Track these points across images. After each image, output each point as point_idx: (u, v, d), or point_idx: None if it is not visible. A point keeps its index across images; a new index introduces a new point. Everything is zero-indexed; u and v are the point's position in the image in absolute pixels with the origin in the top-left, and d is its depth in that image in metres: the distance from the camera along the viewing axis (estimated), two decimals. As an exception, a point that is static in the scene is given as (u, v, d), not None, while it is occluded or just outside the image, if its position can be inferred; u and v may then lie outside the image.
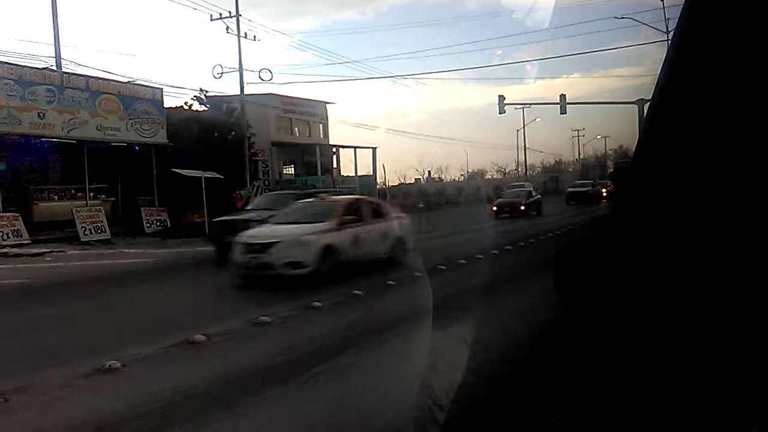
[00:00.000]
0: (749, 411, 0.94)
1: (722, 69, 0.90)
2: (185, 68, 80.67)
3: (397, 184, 61.89)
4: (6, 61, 20.16)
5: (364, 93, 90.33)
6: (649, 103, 0.98)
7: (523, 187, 31.84)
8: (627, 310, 0.95)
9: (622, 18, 32.70)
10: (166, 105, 27.76)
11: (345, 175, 40.36)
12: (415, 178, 68.03)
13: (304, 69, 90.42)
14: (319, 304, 8.65)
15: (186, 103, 31.93)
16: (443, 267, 11.44)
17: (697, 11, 0.93)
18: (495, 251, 13.87)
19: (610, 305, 0.96)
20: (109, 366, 5.89)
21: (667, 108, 0.95)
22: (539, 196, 29.23)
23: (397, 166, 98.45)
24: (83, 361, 6.01)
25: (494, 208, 27.27)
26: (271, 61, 59.26)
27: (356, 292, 9.53)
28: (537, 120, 56.79)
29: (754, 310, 0.90)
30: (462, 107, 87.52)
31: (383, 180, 42.56)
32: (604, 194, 36.39)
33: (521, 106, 50.73)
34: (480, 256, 12.85)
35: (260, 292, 10.21)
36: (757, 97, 0.87)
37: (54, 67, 21.96)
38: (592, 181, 39.36)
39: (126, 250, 19.66)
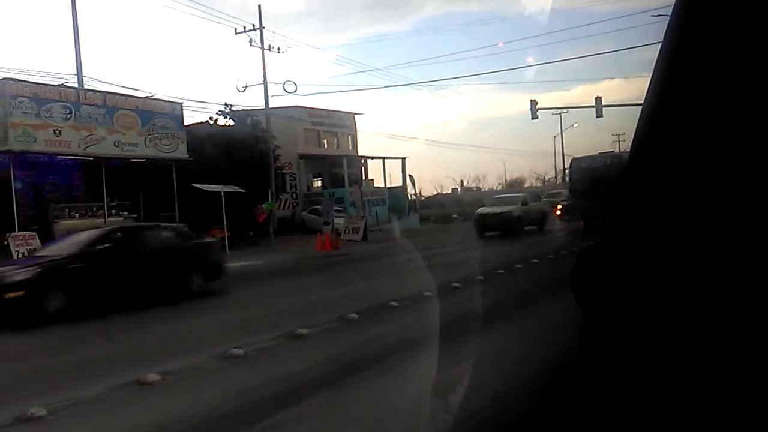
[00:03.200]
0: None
1: (716, 71, 0.89)
2: (213, 84, 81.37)
3: (434, 194, 60.97)
4: (21, 78, 20.07)
5: (403, 104, 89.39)
6: (642, 107, 0.96)
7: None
8: (645, 315, 0.94)
9: (658, 16, 30.77)
10: (192, 120, 27.52)
11: (377, 186, 39.47)
12: (452, 188, 66.95)
13: (343, 81, 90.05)
14: (306, 331, 7.65)
15: (211, 118, 31.73)
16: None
17: (688, 15, 0.92)
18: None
19: (628, 310, 0.95)
20: (32, 414, 5.03)
21: (664, 110, 0.95)
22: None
23: (434, 177, 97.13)
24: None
25: None
26: (310, 75, 59.11)
27: (351, 315, 8.52)
28: (575, 125, 54.82)
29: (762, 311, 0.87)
30: (500, 115, 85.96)
31: (415, 191, 41.42)
32: (557, 212, 25.93)
33: (558, 111, 49.02)
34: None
35: (248, 317, 9.30)
36: (752, 98, 0.87)
37: (70, 84, 21.83)
38: (523, 195, 26.98)
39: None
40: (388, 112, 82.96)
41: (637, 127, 0.97)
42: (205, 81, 74.31)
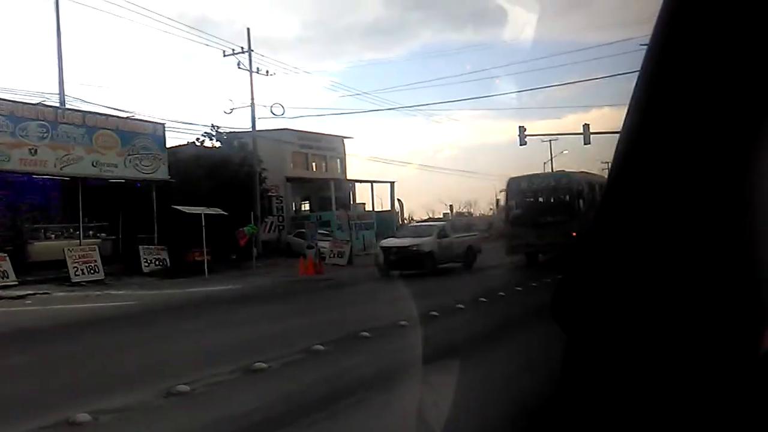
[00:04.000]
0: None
1: (692, 100, 0.91)
2: (202, 106, 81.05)
3: (425, 218, 60.72)
4: (-3, 97, 19.62)
5: (397, 130, 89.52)
6: (619, 136, 0.94)
7: None
8: (630, 338, 0.93)
9: (645, 45, 30.58)
10: (179, 142, 27.02)
11: (368, 210, 39.00)
12: (443, 213, 66.81)
13: (336, 106, 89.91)
14: (265, 365, 7.09)
15: (198, 139, 31.28)
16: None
17: (664, 44, 0.94)
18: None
19: (613, 334, 0.94)
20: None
21: (640, 139, 0.96)
22: None
23: (426, 201, 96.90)
24: None
25: None
26: (304, 100, 58.81)
27: (318, 347, 7.97)
28: (564, 152, 54.64)
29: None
30: (492, 142, 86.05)
31: (404, 215, 41.02)
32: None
33: (547, 138, 48.97)
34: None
35: (199, 350, 8.70)
36: (730, 125, 0.88)
37: (48, 103, 21.40)
38: (442, 225, 21.84)
39: (114, 292, 18.49)
40: (382, 137, 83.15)
41: (614, 155, 0.97)
42: (193, 103, 74.23)
